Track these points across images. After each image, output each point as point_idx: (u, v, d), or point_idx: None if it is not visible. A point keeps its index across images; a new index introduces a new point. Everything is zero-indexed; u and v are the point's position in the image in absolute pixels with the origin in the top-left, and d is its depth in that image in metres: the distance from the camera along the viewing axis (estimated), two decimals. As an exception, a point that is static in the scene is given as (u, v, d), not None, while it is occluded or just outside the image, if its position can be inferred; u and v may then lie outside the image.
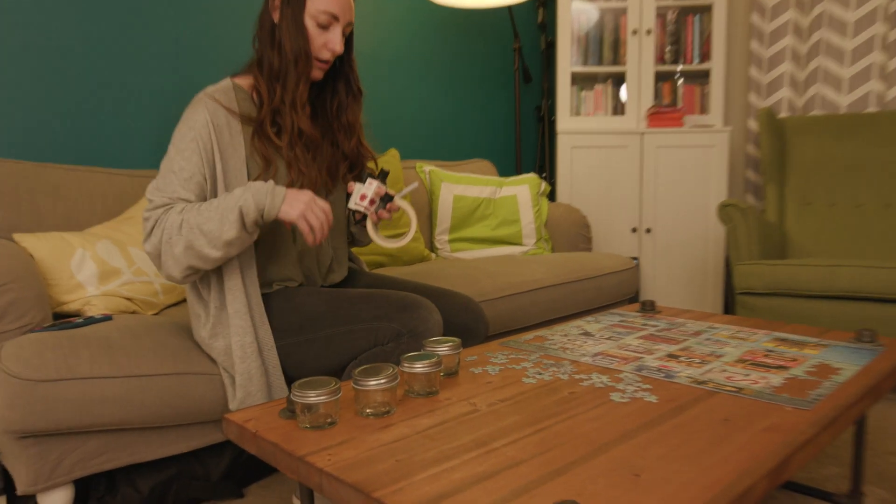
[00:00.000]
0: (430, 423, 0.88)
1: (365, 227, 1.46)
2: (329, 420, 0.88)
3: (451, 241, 2.58)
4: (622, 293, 2.39)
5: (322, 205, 1.11)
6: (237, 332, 1.22)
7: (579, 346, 1.24)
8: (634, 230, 3.00)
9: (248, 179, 1.22)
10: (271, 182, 1.15)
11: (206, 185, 1.19)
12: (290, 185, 1.25)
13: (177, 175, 1.17)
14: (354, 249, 1.87)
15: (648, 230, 2.99)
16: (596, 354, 1.19)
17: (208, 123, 1.18)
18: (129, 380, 1.22)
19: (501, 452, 0.78)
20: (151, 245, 1.15)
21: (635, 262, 2.52)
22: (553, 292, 2.10)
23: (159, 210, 1.17)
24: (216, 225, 1.11)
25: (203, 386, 1.28)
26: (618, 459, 0.76)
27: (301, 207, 1.10)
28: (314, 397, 0.87)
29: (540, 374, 1.09)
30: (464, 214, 2.58)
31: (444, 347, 1.08)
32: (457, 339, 1.10)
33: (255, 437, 0.88)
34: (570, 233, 2.65)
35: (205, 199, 1.20)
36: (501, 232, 2.57)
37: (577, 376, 1.05)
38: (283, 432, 0.87)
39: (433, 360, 1.00)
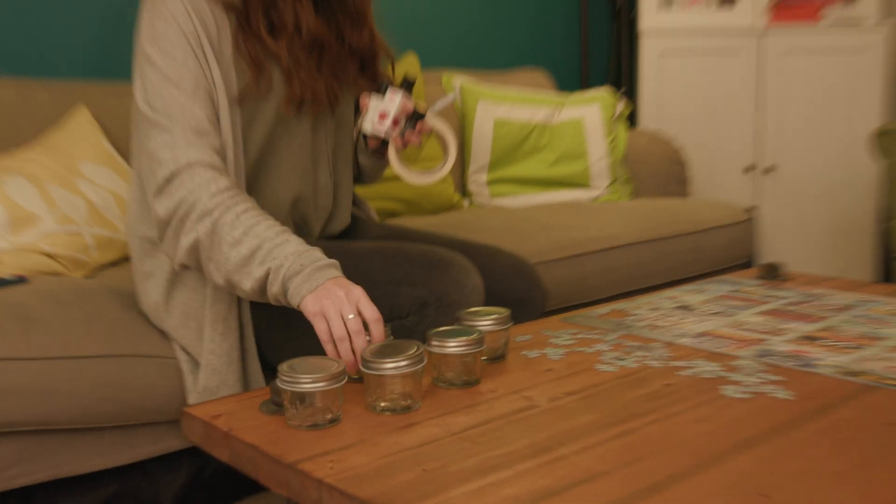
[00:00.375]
0: (470, 421, 0.88)
1: (379, 157, 1.45)
2: (330, 416, 0.89)
3: (490, 182, 2.59)
4: (731, 256, 2.38)
5: (368, 311, 1.03)
6: (219, 299, 1.23)
7: (675, 323, 1.27)
8: (750, 169, 2.98)
9: (236, 89, 1.23)
10: (331, 264, 1.10)
11: (214, 91, 1.20)
12: (290, 99, 1.25)
13: (177, 85, 1.17)
14: (358, 189, 1.87)
15: (770, 169, 2.95)
16: (700, 335, 1.20)
17: (189, 12, 1.18)
18: (52, 363, 1.23)
19: (571, 462, 0.78)
20: (165, 208, 1.16)
21: (751, 213, 2.49)
22: (634, 253, 2.10)
23: (183, 152, 1.15)
24: (239, 258, 1.11)
25: (152, 372, 1.29)
26: (737, 474, 0.75)
27: (325, 304, 1.03)
28: (309, 384, 0.87)
29: (621, 359, 1.10)
30: (509, 146, 2.57)
31: (486, 321, 1.08)
32: (505, 310, 1.10)
33: (226, 439, 0.88)
34: (658, 172, 2.63)
35: (215, 112, 1.19)
36: (561, 170, 2.57)
37: (673, 363, 1.07)
38: (267, 432, 0.88)
39: (473, 337, 1.00)
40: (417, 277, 1.20)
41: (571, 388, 0.98)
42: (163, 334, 1.33)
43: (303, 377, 0.87)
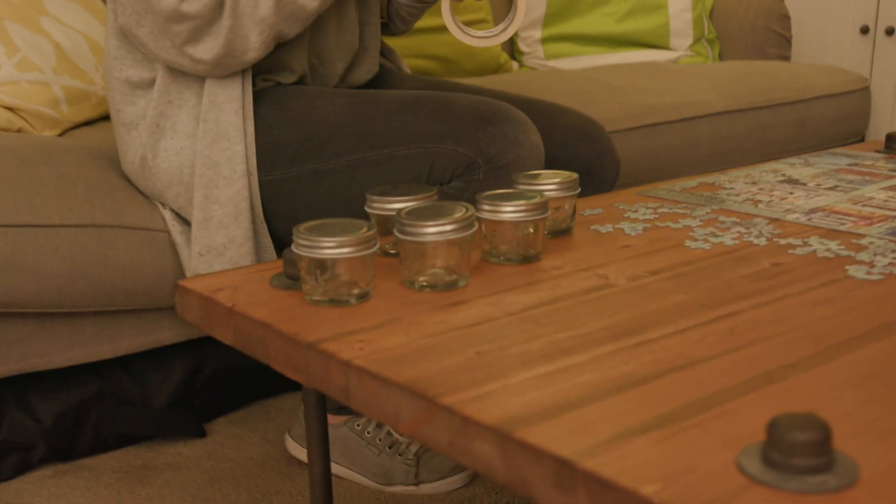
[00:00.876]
0: (531, 300, 0.86)
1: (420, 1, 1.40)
2: (357, 291, 0.86)
3: (545, 40, 2.53)
4: (843, 132, 2.32)
5: None
6: (225, 134, 1.20)
7: (781, 198, 1.25)
8: (866, 31, 2.90)
9: None
10: None
11: None
12: None
13: None
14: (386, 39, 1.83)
15: (892, 31, 2.86)
16: (813, 211, 1.17)
17: None
18: (14, 232, 1.21)
19: (661, 346, 0.75)
20: (214, 48, 1.17)
21: (866, 81, 2.42)
22: (723, 125, 2.05)
23: None
24: None
25: (138, 246, 1.28)
26: (874, 364, 0.72)
27: None
28: (331, 248, 0.84)
29: (716, 236, 1.07)
30: (569, -7, 2.50)
31: (550, 185, 1.05)
32: (571, 174, 1.07)
33: (230, 316, 0.86)
34: (753, 29, 2.57)
35: None
36: (633, 26, 2.52)
37: (782, 241, 1.05)
38: (280, 307, 0.85)
39: (535, 201, 0.96)
40: (463, 133, 1.17)
41: (656, 267, 0.96)
42: (150, 203, 1.30)
43: (324, 241, 0.84)
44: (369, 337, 0.78)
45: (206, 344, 1.50)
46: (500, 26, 1.26)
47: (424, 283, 0.90)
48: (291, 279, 0.91)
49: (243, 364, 1.52)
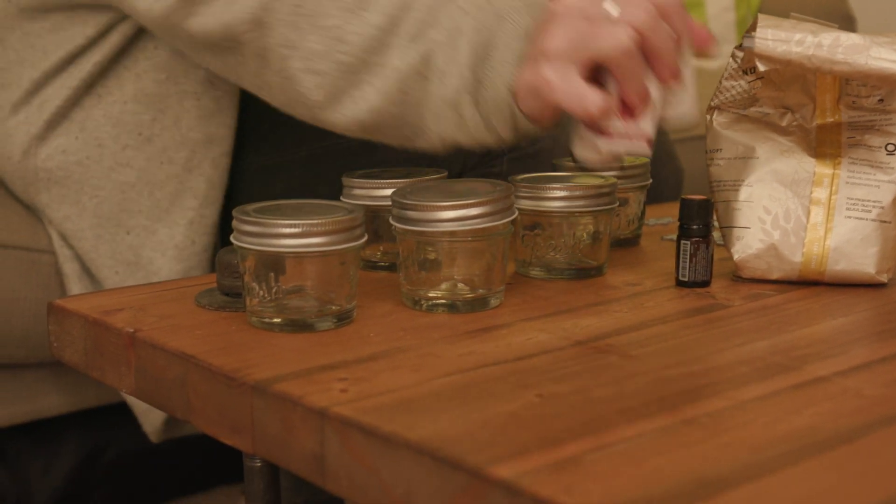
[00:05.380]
0: (608, 325, 0.73)
1: None
2: (335, 308, 0.72)
3: None
4: None
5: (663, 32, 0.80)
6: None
7: None
8: None
9: None
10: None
11: None
12: None
13: None
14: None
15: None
16: None
17: None
18: None
19: (842, 389, 0.61)
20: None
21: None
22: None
23: None
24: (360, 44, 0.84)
25: (11, 273, 1.16)
26: None
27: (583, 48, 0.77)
28: (294, 238, 0.68)
29: None
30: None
31: (610, 171, 0.94)
32: (638, 158, 0.99)
33: (131, 348, 0.72)
34: None
35: None
36: None
37: None
38: (210, 333, 0.72)
39: (596, 184, 0.85)
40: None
41: (781, 284, 0.84)
42: (32, 213, 1.18)
43: (283, 227, 0.68)
44: (357, 374, 0.63)
45: (107, 416, 1.37)
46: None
47: (439, 301, 0.76)
48: (230, 294, 0.76)
49: (160, 446, 1.34)
